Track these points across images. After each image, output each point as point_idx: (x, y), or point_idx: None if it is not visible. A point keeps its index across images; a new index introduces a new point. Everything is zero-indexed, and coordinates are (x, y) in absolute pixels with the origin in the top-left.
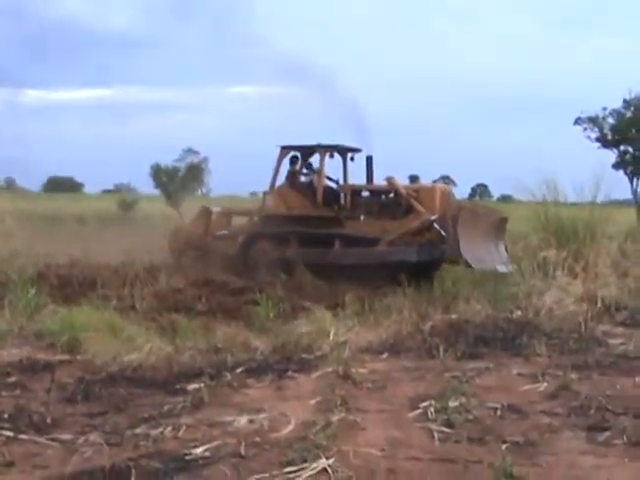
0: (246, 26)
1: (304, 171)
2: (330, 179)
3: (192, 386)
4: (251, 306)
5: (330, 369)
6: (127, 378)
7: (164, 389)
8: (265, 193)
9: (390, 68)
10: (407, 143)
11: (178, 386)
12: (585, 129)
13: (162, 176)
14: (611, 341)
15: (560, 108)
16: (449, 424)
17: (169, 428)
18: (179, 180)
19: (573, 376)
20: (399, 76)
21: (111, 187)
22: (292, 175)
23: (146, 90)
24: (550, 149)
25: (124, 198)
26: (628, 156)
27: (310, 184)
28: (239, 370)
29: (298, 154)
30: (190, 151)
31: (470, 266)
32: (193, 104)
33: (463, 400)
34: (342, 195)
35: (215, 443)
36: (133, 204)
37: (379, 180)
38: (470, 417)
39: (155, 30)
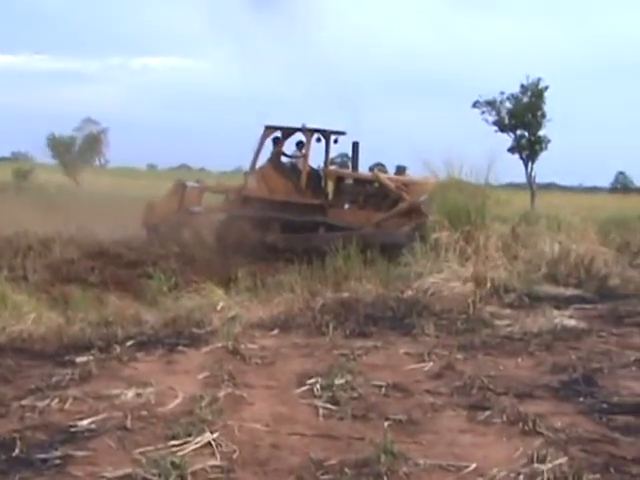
0: None
1: (287, 153)
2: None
3: (81, 358)
4: (144, 279)
5: (220, 344)
6: (15, 349)
7: (53, 361)
8: (246, 173)
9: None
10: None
11: (67, 358)
12: (483, 112)
13: (58, 146)
14: (497, 322)
15: (458, 90)
16: (334, 401)
17: (56, 400)
18: (76, 150)
19: (459, 356)
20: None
21: (8, 155)
22: (276, 156)
23: (51, 59)
24: (449, 130)
25: (20, 167)
26: (524, 141)
27: (293, 167)
28: (129, 343)
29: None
30: (89, 121)
31: None
32: (96, 74)
33: (349, 378)
34: (324, 181)
35: (101, 416)
36: (28, 173)
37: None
38: (355, 395)
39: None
